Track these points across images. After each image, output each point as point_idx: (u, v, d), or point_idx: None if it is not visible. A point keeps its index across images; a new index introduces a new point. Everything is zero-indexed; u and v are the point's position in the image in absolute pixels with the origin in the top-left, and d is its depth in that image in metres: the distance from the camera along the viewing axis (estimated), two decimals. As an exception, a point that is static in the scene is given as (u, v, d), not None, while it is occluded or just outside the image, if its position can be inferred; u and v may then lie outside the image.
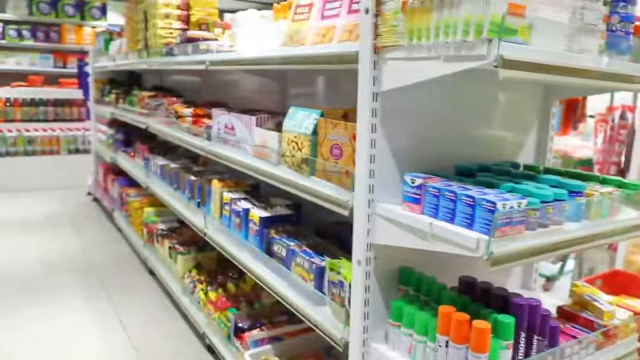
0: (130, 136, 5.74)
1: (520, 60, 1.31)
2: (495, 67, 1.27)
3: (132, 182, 5.31)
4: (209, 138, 3.05)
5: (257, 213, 2.57)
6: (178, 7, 3.95)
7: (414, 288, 1.84)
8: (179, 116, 3.56)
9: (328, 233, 2.62)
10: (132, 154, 5.11)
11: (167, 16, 3.90)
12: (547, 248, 1.50)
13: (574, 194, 1.64)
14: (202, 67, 3.01)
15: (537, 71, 1.36)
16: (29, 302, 3.89)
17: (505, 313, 1.60)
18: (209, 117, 3.42)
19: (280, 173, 2.24)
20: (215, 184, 3.05)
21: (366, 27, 1.65)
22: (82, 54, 9.83)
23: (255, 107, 3.35)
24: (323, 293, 2.05)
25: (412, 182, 1.61)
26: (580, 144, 5.01)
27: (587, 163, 4.91)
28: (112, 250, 5.09)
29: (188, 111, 3.44)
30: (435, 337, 1.60)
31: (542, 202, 1.50)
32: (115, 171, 6.09)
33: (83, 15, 10.07)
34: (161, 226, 4.34)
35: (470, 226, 1.44)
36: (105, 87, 6.27)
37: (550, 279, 4.33)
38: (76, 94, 8.29)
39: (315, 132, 2.07)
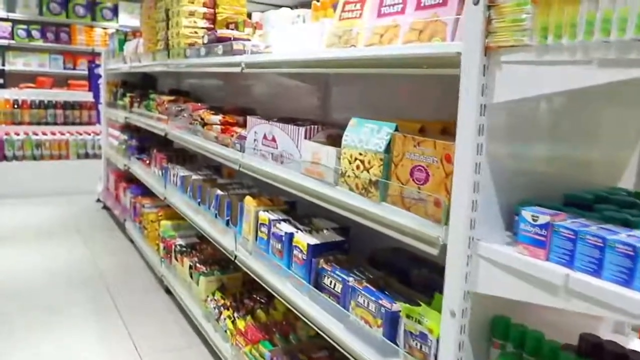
0: (144, 142, 5.42)
1: None
2: (689, 75, 0.94)
3: (146, 191, 4.98)
4: (242, 150, 2.72)
5: (304, 239, 2.23)
6: (204, 4, 3.63)
7: (514, 344, 1.50)
8: (205, 124, 3.23)
9: (383, 262, 2.28)
10: (147, 161, 4.78)
11: (191, 14, 3.58)
12: None
13: None
14: (237, 69, 2.68)
15: None
16: (33, 322, 3.55)
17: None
18: (240, 125, 3.09)
19: (340, 196, 1.90)
20: (249, 202, 2.72)
21: (475, 22, 1.31)
22: (92, 55, 9.57)
23: (290, 114, 3.03)
24: (395, 344, 1.70)
25: (534, 220, 1.27)
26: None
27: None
28: (124, 264, 4.75)
29: (216, 118, 3.11)
30: (559, 416, 1.26)
31: None
32: (128, 178, 5.77)
33: (94, 16, 9.81)
34: (180, 242, 4.01)
35: (628, 283, 1.10)
36: (118, 90, 5.96)
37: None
38: (86, 96, 7.98)
39: (388, 149, 1.73)
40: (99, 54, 9.33)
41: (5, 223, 5.84)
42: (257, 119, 2.61)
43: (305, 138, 2.20)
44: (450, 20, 1.67)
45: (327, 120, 2.94)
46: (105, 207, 6.59)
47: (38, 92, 7.73)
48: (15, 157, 7.03)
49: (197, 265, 3.55)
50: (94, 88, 8.58)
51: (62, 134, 7.39)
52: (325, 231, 2.39)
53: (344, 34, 2.26)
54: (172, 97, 4.11)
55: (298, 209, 2.83)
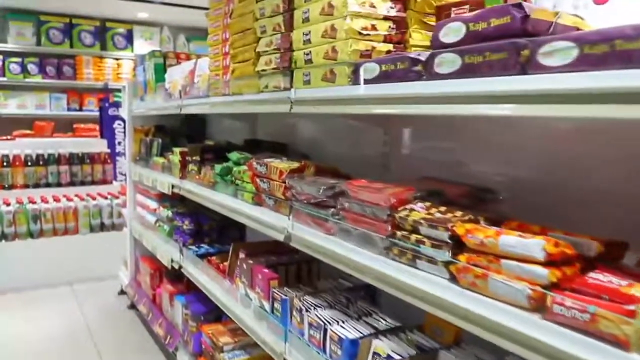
0: (203, 223, 3.44)
1: None
2: None
3: (213, 308, 2.98)
4: None
5: None
6: (386, -30, 1.68)
7: None
8: (464, 247, 1.24)
9: None
10: (221, 267, 2.77)
11: (366, -12, 1.62)
12: None
13: None
14: None
15: None
16: None
17: None
18: (590, 268, 1.10)
19: None
20: None
21: None
22: (104, 91, 7.68)
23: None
24: None
25: None
26: None
27: None
28: None
29: (516, 242, 1.11)
30: None
31: None
32: (173, 274, 3.77)
33: (104, 45, 7.97)
34: None
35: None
36: (154, 141, 3.99)
37: None
38: (98, 145, 6.02)
39: None
40: (111, 90, 7.49)
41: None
42: None
43: None
44: None
45: None
46: (133, 306, 4.57)
47: (36, 142, 5.78)
48: (4, 237, 5.01)
49: None
50: (107, 133, 6.66)
51: (69, 199, 5.38)
52: None
53: None
54: (294, 164, 2.09)
55: None
